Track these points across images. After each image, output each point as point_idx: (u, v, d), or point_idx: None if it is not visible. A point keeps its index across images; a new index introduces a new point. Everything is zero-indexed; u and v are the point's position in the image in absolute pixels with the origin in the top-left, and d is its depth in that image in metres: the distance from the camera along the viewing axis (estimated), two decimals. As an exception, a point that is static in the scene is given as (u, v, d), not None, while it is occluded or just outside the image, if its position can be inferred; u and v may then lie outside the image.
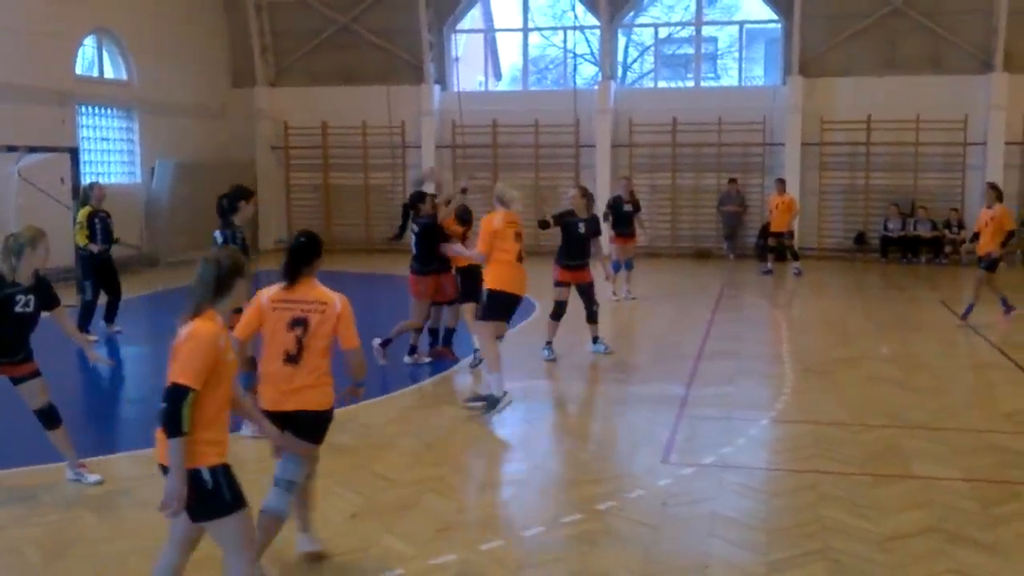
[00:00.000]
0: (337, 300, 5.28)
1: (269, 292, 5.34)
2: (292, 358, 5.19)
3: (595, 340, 11.66)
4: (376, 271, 20.53)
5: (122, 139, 21.36)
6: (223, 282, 4.38)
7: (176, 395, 4.15)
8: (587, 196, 11.63)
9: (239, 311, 5.31)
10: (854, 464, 7.34)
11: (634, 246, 16.35)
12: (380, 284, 18.98)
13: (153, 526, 6.09)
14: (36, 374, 6.87)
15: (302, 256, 5.32)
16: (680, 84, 28.09)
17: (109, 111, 20.90)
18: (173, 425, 4.15)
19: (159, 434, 4.28)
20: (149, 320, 15.89)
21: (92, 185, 13.52)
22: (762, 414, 8.89)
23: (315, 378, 5.23)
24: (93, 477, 6.98)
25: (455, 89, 24.15)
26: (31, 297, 6.66)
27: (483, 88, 29.74)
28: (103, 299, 13.14)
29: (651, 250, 23.01)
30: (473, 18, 27.25)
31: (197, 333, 4.25)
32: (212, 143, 23.70)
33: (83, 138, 19.68)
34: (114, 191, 20.45)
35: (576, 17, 24.80)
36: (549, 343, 11.34)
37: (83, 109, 19.93)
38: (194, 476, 4.22)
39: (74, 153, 15.74)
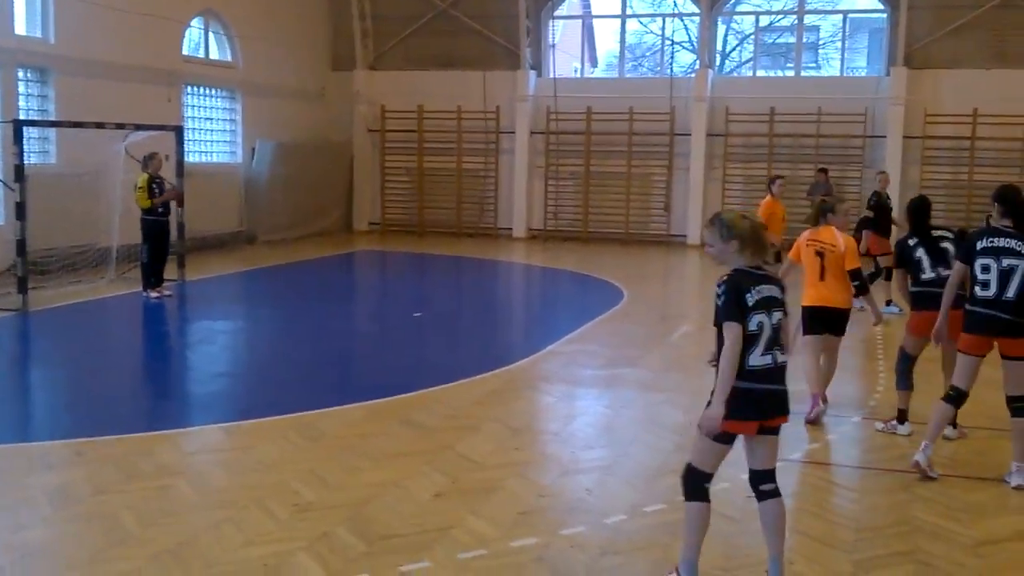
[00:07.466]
0: None
1: None
2: None
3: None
4: (464, 254, 20.70)
5: (225, 119, 21.88)
6: None
7: None
8: None
9: None
10: (949, 466, 7.16)
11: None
12: (468, 266, 19.18)
13: (244, 496, 6.26)
14: None
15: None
16: (779, 73, 27.62)
17: (213, 91, 21.40)
18: None
19: None
20: (245, 296, 16.31)
21: (152, 155, 14.39)
22: (854, 412, 8.73)
23: None
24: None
25: (551, 75, 24.14)
26: None
27: (578, 75, 29.68)
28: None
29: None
30: (571, 4, 27.18)
31: None
32: (311, 125, 24.13)
33: (187, 117, 20.21)
34: (215, 170, 21.10)
35: (675, 4, 24.57)
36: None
37: (188, 89, 20.45)
38: None
39: (179, 132, 16.14)
